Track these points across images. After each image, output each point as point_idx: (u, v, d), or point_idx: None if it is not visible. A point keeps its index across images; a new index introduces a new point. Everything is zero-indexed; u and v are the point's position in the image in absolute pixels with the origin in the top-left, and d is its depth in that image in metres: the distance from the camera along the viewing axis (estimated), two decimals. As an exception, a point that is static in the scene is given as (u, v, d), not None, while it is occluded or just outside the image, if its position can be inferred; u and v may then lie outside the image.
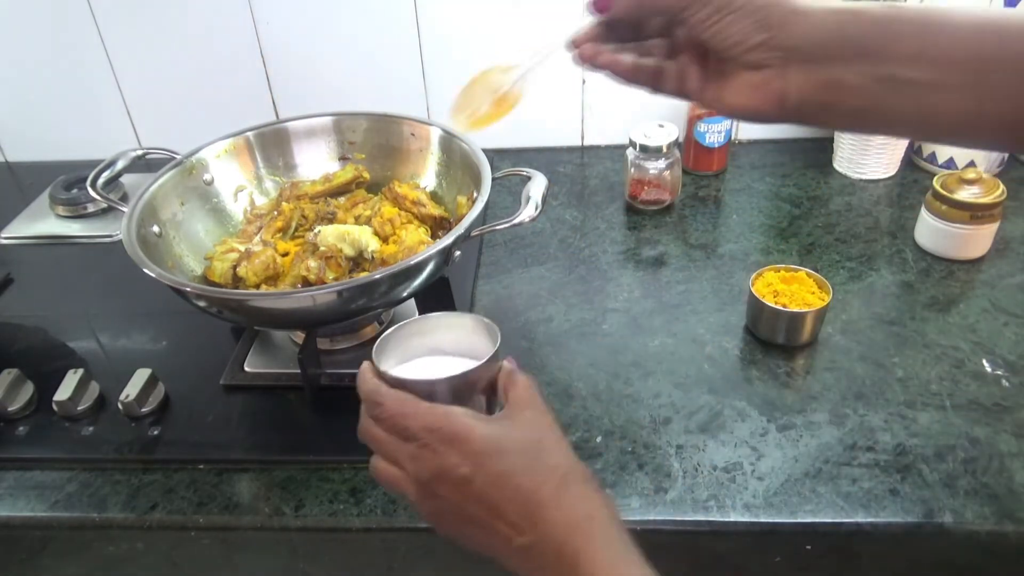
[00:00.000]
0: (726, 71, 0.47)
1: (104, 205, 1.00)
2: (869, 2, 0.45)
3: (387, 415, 0.45)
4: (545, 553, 0.41)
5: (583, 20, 0.51)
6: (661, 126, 0.96)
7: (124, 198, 0.84)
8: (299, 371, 0.68)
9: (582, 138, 1.17)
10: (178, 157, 0.81)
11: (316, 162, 0.89)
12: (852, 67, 0.43)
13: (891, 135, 0.57)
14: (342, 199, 0.87)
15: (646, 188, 0.98)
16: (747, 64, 0.45)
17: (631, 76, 0.51)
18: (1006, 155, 0.99)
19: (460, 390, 0.47)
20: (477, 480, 0.42)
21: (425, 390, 0.46)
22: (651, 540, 0.60)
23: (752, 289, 0.75)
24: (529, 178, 0.74)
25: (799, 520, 0.59)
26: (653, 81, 0.51)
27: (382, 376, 0.47)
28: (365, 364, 0.48)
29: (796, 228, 0.95)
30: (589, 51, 0.50)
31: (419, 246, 0.74)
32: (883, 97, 0.43)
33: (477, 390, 0.48)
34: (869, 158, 1.03)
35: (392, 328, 0.51)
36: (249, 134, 0.86)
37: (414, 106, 1.14)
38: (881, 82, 0.43)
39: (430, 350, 0.52)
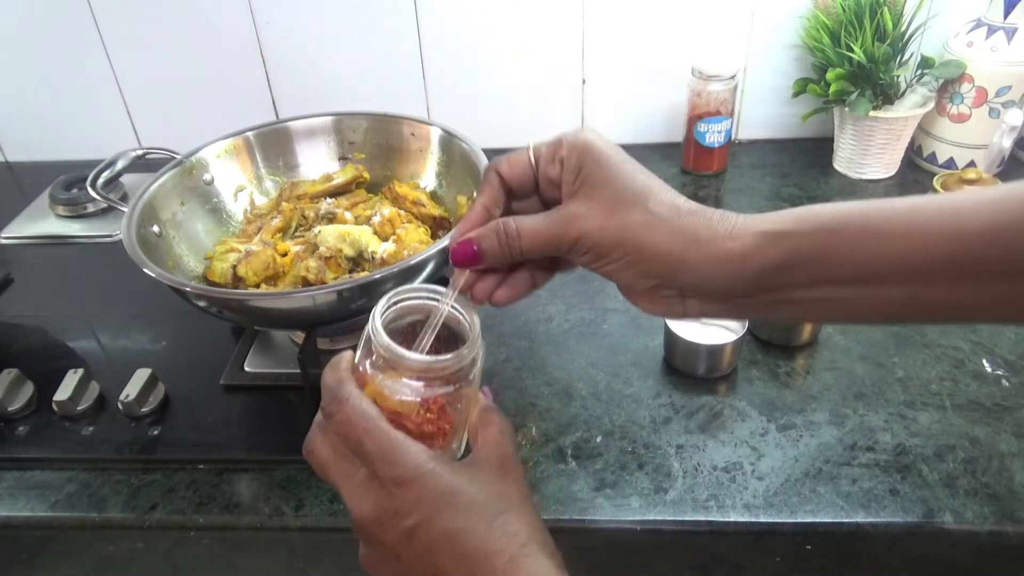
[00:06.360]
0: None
1: (104, 205, 1.00)
2: (765, 243, 0.39)
3: (342, 418, 0.38)
4: None
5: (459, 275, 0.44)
6: None
7: (124, 198, 0.85)
8: (299, 371, 0.68)
9: (582, 138, 1.17)
10: (178, 157, 0.81)
11: (316, 162, 0.89)
12: (751, 299, 0.40)
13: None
14: (342, 199, 0.87)
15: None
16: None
17: (530, 288, 0.45)
18: (1006, 155, 0.98)
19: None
20: (422, 534, 0.37)
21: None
22: (651, 540, 0.61)
23: (752, 289, 0.75)
24: (529, 178, 0.73)
25: (799, 520, 0.59)
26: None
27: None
28: (345, 354, 0.42)
29: (796, 228, 0.95)
30: (481, 292, 0.44)
31: (419, 246, 0.74)
32: (787, 311, 0.41)
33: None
34: (869, 158, 1.03)
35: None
36: (249, 134, 0.86)
37: (414, 106, 1.14)
38: (782, 304, 0.40)
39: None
